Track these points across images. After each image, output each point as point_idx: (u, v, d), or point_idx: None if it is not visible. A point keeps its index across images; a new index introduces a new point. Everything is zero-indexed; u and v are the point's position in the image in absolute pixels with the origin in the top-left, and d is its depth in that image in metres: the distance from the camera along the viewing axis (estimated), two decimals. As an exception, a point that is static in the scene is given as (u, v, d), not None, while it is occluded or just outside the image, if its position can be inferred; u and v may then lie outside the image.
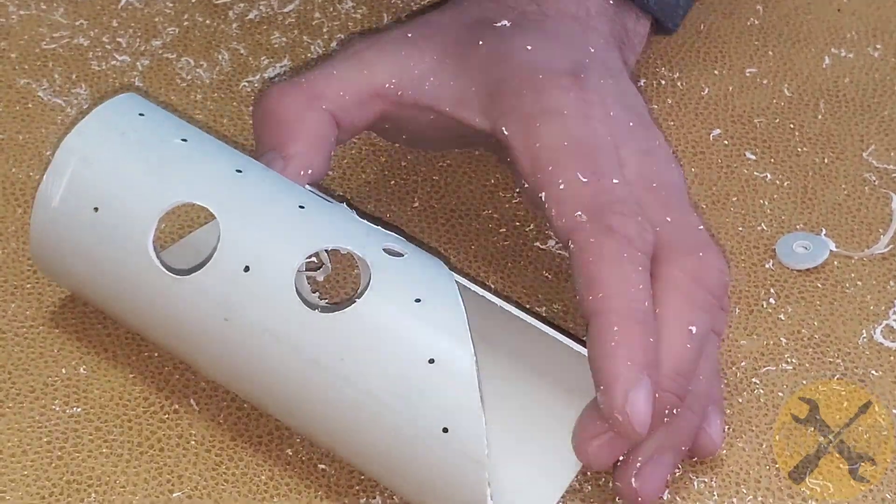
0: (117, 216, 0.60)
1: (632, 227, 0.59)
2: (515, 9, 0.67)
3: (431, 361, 0.56)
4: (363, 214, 0.61)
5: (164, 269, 0.59)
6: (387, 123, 0.66)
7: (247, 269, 0.58)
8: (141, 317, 0.61)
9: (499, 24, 0.65)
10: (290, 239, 0.58)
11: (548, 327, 0.61)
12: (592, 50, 0.66)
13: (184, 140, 0.61)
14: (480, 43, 0.65)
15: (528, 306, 0.68)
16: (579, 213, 0.60)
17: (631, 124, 0.63)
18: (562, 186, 0.60)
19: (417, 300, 0.57)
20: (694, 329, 0.59)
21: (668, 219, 0.61)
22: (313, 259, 0.62)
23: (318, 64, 0.66)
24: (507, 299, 0.62)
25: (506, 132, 0.63)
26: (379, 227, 0.60)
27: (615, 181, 0.60)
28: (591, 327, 0.58)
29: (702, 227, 0.62)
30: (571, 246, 0.60)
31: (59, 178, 0.61)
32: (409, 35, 0.66)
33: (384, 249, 0.58)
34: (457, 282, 0.60)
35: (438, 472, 0.57)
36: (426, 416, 0.56)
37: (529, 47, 0.64)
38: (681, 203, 0.62)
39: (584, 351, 0.59)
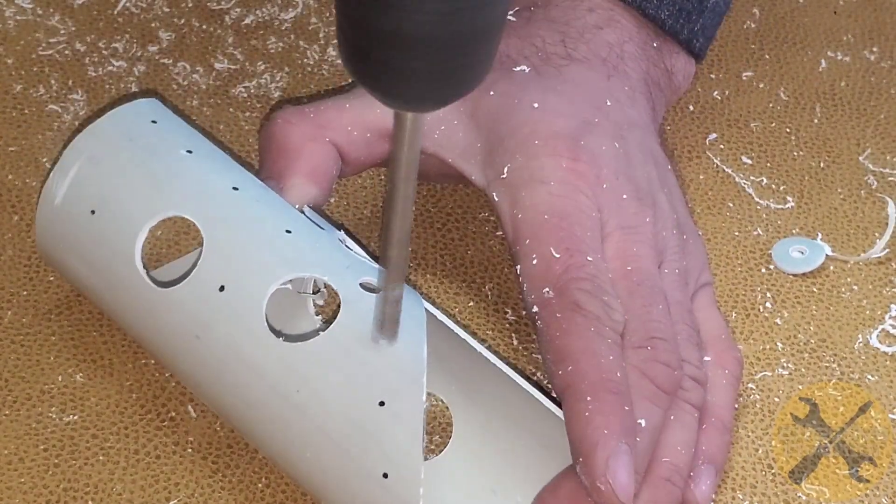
0: (111, 221, 0.60)
1: (597, 305, 0.58)
2: (542, 50, 0.66)
3: (381, 404, 0.55)
4: (362, 244, 0.61)
5: (147, 280, 0.59)
6: None
7: (222, 288, 0.58)
8: (127, 323, 0.62)
9: (517, 70, 0.65)
10: (268, 263, 0.58)
11: (527, 383, 0.59)
12: (609, 103, 0.64)
13: (189, 152, 0.61)
14: (492, 93, 0.64)
15: (522, 313, 0.68)
16: (547, 289, 0.59)
17: (624, 197, 0.62)
18: (534, 261, 0.60)
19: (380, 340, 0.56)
20: (644, 421, 0.57)
21: (631, 305, 0.60)
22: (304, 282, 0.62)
23: (332, 95, 0.65)
24: (491, 349, 0.62)
25: (495, 197, 0.62)
26: (366, 260, 0.60)
27: (588, 258, 0.59)
28: (565, 402, 0.57)
29: (663, 318, 0.60)
30: (539, 323, 0.59)
31: (63, 177, 0.61)
32: None
33: (361, 284, 0.58)
34: (442, 322, 0.59)
35: None
36: (369, 459, 0.55)
37: (536, 104, 0.63)
38: (649, 290, 0.60)
39: (558, 412, 0.58)
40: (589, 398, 0.56)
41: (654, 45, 0.68)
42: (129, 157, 0.61)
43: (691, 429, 0.60)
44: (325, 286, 0.65)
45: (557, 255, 0.59)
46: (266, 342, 0.57)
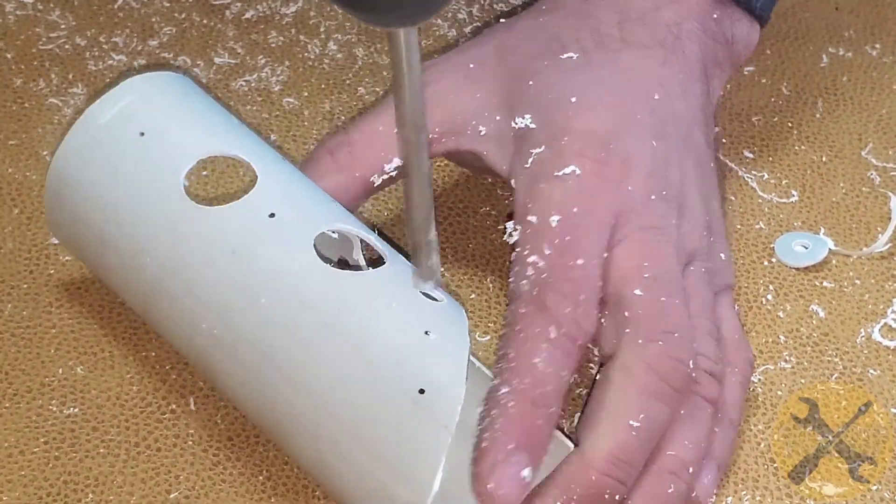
0: (160, 143, 0.60)
1: (566, 310, 0.57)
2: (598, 31, 0.64)
3: (427, 333, 0.56)
4: (395, 244, 0.62)
5: (190, 200, 0.59)
6: None
7: (272, 215, 0.58)
8: (152, 244, 0.59)
9: (565, 57, 0.64)
10: (321, 206, 0.60)
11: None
12: (657, 97, 0.63)
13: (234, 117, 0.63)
14: (531, 83, 0.63)
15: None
16: (525, 282, 0.59)
17: (652, 197, 0.61)
18: (526, 254, 0.59)
19: (424, 293, 0.58)
20: (644, 416, 0.57)
21: (643, 300, 0.59)
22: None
23: (370, 110, 0.65)
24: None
25: (514, 184, 0.62)
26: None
27: (579, 261, 0.59)
28: (489, 395, 0.57)
29: (677, 312, 0.59)
30: (506, 313, 0.59)
31: (112, 104, 0.61)
32: (472, 66, 0.65)
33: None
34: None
35: (404, 433, 0.55)
36: (406, 378, 0.55)
37: (574, 98, 0.62)
38: (665, 284, 0.59)
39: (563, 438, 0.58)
40: (509, 403, 0.56)
41: (714, 16, 0.67)
42: (182, 101, 0.62)
43: (703, 424, 0.59)
44: (360, 251, 0.65)
45: (548, 252, 0.59)
46: (312, 264, 0.57)
